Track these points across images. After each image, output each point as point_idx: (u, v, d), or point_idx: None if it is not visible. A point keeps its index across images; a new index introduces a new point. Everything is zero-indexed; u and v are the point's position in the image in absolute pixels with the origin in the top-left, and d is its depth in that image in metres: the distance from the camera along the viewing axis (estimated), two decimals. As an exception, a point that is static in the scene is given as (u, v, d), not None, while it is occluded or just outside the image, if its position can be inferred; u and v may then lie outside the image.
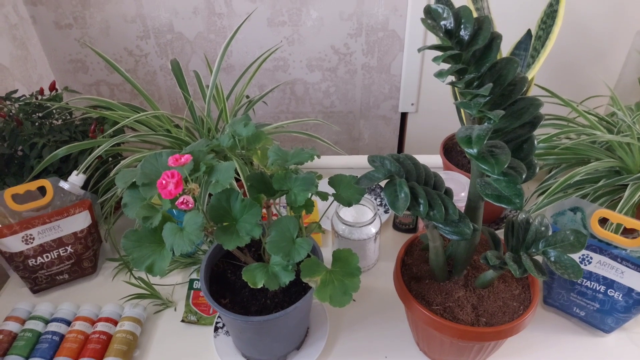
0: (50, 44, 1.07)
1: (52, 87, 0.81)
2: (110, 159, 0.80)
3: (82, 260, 0.71)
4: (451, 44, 0.42)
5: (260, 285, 0.46)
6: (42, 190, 0.69)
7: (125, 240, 0.45)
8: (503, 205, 0.41)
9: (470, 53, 0.41)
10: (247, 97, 0.87)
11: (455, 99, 0.79)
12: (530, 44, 0.72)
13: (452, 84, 0.44)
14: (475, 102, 0.41)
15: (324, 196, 0.51)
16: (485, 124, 0.42)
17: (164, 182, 0.41)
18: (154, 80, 1.13)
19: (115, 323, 0.63)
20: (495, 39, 0.42)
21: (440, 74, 0.40)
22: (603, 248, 0.57)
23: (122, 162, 0.70)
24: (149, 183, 0.45)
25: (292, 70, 1.11)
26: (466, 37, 0.41)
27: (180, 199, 0.42)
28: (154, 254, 0.45)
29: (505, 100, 0.43)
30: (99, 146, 0.69)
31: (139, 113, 0.73)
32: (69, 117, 0.81)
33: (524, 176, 0.42)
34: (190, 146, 0.50)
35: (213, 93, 0.78)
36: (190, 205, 0.42)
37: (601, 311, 0.60)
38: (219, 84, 0.80)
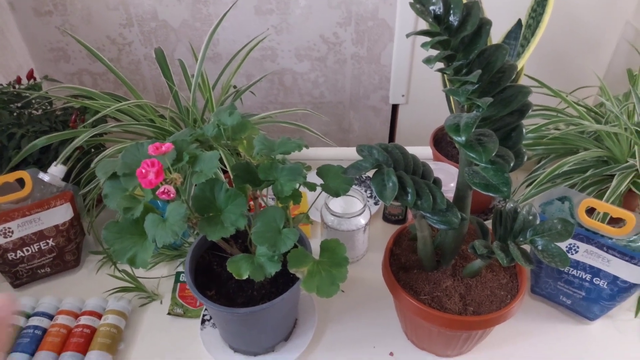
0: (29, 31, 1.04)
1: (30, 75, 0.79)
2: (92, 149, 0.78)
3: (64, 253, 0.70)
4: (440, 29, 0.41)
5: (245, 276, 0.45)
6: (21, 182, 0.67)
7: (106, 232, 0.44)
8: (491, 194, 0.41)
9: (459, 39, 0.41)
10: (235, 87, 0.85)
11: (445, 87, 0.78)
12: (521, 33, 0.71)
13: (440, 70, 0.43)
14: (464, 89, 0.40)
15: (311, 186, 0.50)
16: (474, 112, 0.41)
17: (143, 171, 0.40)
18: (138, 70, 1.10)
19: (99, 317, 0.62)
20: (484, 25, 0.41)
21: (428, 60, 0.39)
22: (590, 237, 0.57)
23: (103, 152, 0.68)
24: (130, 173, 0.44)
25: (280, 60, 1.10)
26: (455, 23, 0.41)
27: (161, 189, 0.41)
28: (136, 245, 0.44)
29: (493, 88, 0.42)
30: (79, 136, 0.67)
31: (122, 102, 0.71)
32: (49, 107, 0.78)
33: (511, 164, 0.42)
34: (174, 136, 0.48)
35: (199, 82, 0.76)
36: (171, 195, 0.41)
37: (587, 299, 0.60)
38: (205, 73, 0.78)
